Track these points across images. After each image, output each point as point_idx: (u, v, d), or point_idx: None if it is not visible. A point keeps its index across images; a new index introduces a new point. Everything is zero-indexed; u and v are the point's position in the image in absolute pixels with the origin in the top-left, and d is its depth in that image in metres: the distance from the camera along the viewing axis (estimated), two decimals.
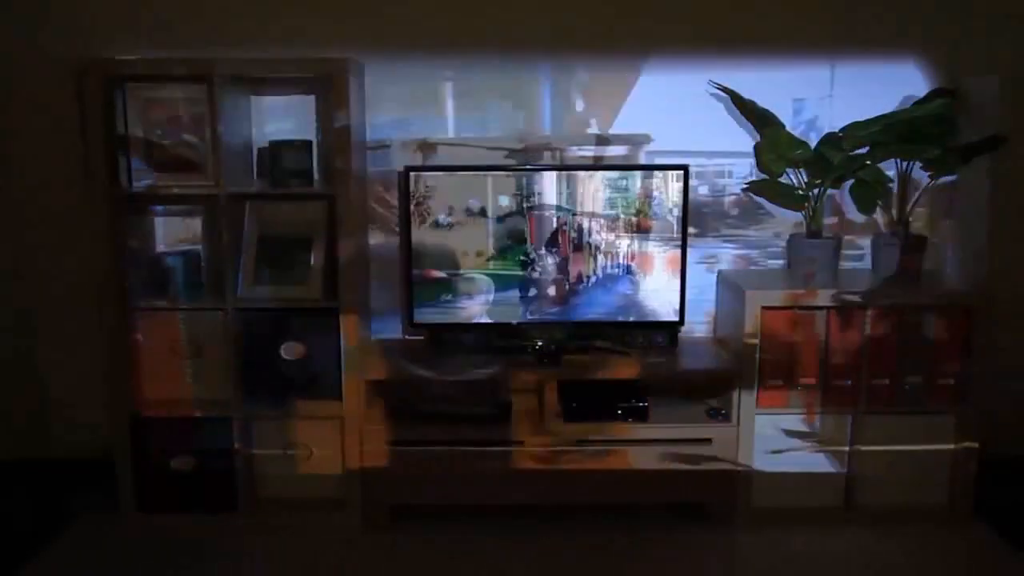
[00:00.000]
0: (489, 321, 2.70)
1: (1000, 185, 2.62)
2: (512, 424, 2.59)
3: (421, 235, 2.67)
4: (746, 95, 2.65)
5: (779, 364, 2.53)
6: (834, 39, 2.71)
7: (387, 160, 2.76)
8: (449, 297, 2.70)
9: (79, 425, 2.90)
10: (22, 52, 2.68)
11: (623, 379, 2.61)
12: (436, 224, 2.67)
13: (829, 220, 2.78)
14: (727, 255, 2.87)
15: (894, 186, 2.70)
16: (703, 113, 2.74)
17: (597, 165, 2.75)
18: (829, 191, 2.69)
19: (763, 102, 2.66)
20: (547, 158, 2.79)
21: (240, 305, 2.53)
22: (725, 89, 2.70)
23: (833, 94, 2.76)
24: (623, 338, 2.70)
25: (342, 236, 2.48)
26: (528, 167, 2.69)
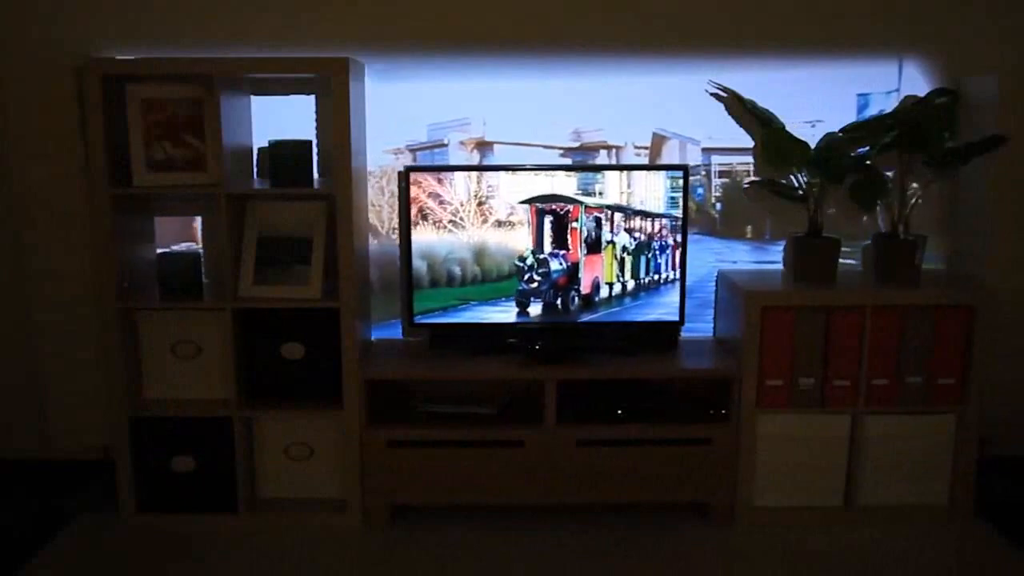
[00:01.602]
0: (489, 321, 2.69)
1: (1000, 185, 2.62)
2: (512, 424, 2.59)
3: (483, 234, 2.59)
4: (809, 93, 2.66)
5: (779, 364, 2.54)
6: (835, 39, 2.71)
7: (445, 159, 2.75)
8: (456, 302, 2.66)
9: (79, 425, 2.90)
10: (22, 52, 2.68)
11: (623, 379, 2.61)
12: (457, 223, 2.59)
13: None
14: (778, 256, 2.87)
15: (893, 186, 2.70)
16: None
17: (598, 165, 2.75)
18: (829, 191, 2.69)
19: (825, 97, 2.67)
20: (603, 157, 2.77)
21: (240, 305, 2.53)
22: (725, 89, 2.71)
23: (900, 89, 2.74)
24: (623, 337, 2.70)
25: (342, 236, 2.48)
26: (531, 167, 2.68)
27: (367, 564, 2.44)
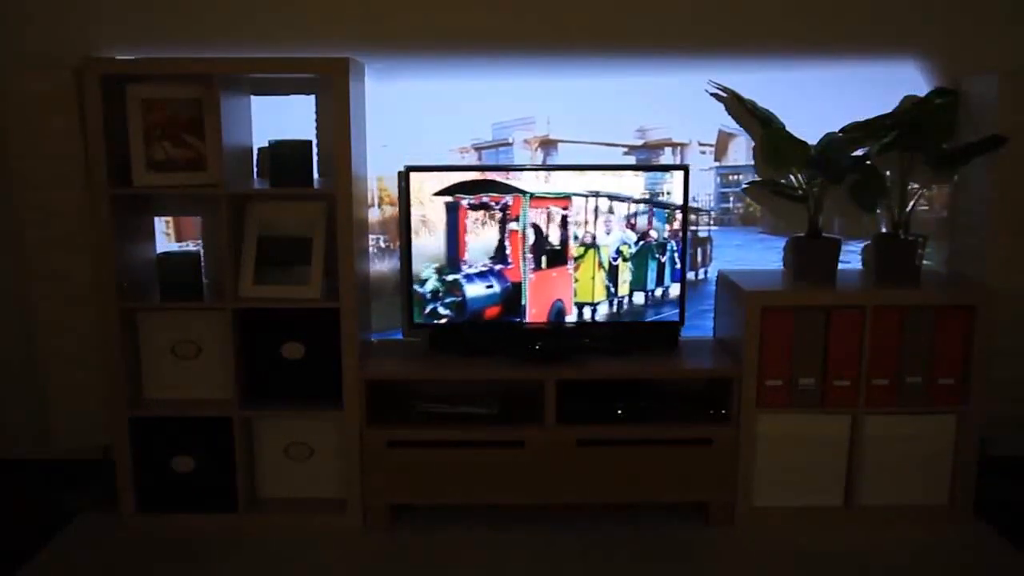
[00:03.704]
0: (489, 321, 2.69)
1: (1000, 185, 2.62)
2: (512, 424, 2.59)
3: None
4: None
5: (779, 364, 2.53)
6: (835, 39, 2.71)
7: (509, 158, 2.72)
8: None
9: (79, 425, 2.90)
10: (22, 52, 2.68)
11: (623, 379, 2.61)
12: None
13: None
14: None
15: (893, 186, 2.70)
16: (788, 107, 2.73)
17: (595, 165, 2.74)
18: (829, 191, 2.69)
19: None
20: (668, 155, 2.73)
21: (240, 305, 2.53)
22: (725, 89, 2.71)
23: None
24: (624, 337, 2.70)
25: (342, 236, 2.48)
26: (529, 167, 2.67)
27: (367, 564, 2.43)
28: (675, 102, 2.73)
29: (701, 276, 2.81)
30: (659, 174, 2.37)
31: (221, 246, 2.52)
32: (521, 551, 2.47)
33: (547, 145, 2.68)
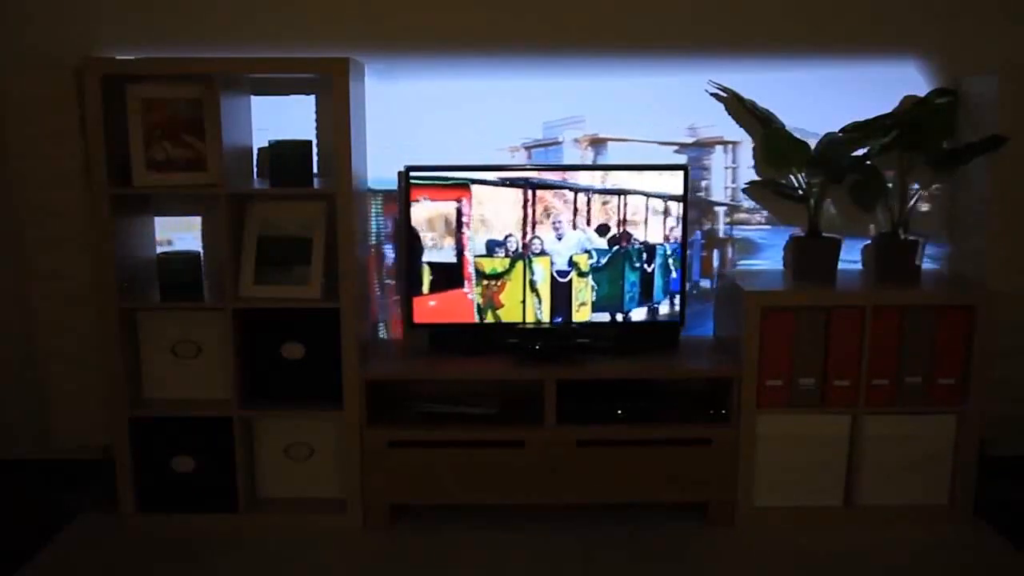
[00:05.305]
0: (489, 321, 2.69)
1: (1000, 185, 2.62)
2: (512, 424, 2.58)
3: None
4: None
5: (779, 364, 2.53)
6: (835, 39, 2.71)
7: (559, 157, 2.73)
8: None
9: (79, 425, 2.90)
10: (22, 52, 2.68)
11: (623, 379, 2.61)
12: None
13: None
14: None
15: (894, 186, 2.70)
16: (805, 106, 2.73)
17: (596, 165, 2.75)
18: (829, 191, 2.69)
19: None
20: (719, 153, 2.72)
21: (240, 305, 2.53)
22: (725, 89, 2.71)
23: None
24: (624, 337, 2.70)
25: (342, 236, 2.48)
26: (529, 166, 2.67)
27: (367, 564, 2.43)
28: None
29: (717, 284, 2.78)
30: (698, 172, 2.41)
31: (221, 246, 2.52)
32: (521, 551, 2.47)
33: (597, 144, 2.67)
